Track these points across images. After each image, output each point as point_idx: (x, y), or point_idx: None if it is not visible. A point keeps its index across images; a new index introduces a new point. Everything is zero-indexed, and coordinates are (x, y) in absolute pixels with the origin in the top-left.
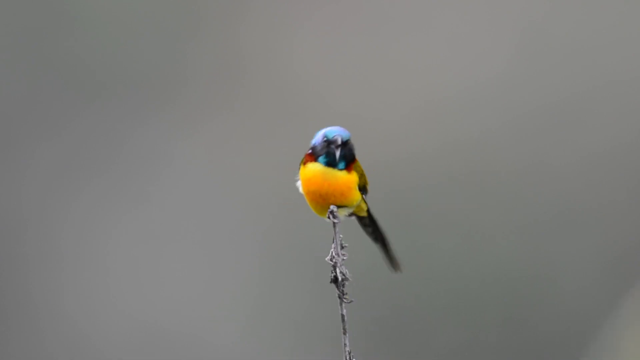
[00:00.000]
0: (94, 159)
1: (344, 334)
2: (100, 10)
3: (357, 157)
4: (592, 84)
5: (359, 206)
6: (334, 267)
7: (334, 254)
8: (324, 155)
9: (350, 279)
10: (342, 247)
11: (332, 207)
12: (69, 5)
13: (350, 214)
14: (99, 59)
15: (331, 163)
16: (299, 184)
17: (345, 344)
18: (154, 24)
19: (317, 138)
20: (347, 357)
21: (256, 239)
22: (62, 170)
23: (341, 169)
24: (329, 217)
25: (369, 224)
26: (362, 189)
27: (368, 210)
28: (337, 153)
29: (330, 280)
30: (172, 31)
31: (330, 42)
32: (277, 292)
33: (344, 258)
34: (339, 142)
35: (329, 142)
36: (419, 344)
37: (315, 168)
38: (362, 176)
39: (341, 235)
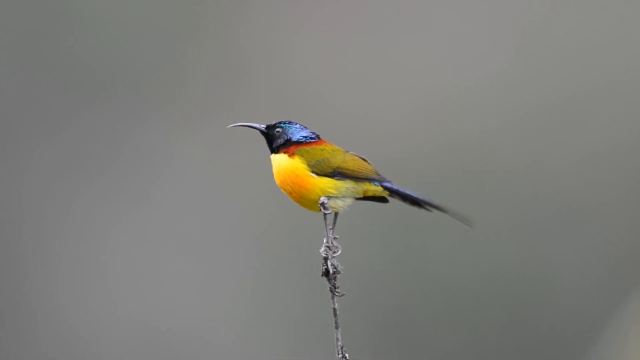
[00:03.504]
0: (93, 159)
1: (336, 328)
2: (100, 10)
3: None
4: (592, 84)
5: (367, 190)
6: (325, 259)
7: (325, 246)
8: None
9: (341, 272)
10: (334, 239)
11: (322, 198)
12: (68, 5)
13: (377, 199)
14: (98, 59)
15: (271, 150)
16: None
17: (337, 338)
18: (153, 24)
19: None
20: (340, 352)
21: (255, 238)
22: (62, 170)
23: (276, 152)
24: (320, 209)
25: (403, 199)
26: (335, 174)
27: (388, 188)
28: (265, 138)
29: (321, 273)
30: (172, 31)
31: (331, 42)
32: (276, 291)
33: (337, 250)
34: (248, 126)
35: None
36: (419, 344)
37: (271, 159)
38: (320, 162)
39: (331, 227)
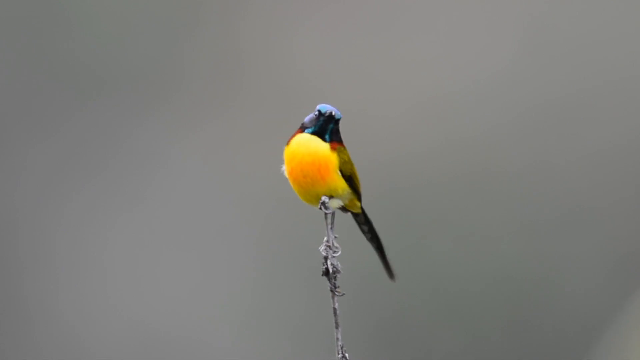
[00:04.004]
0: (89, 159)
1: (336, 327)
2: (96, 7)
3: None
4: (597, 81)
5: (351, 201)
6: (325, 259)
7: (326, 245)
8: (312, 127)
9: (341, 271)
10: (334, 238)
11: (323, 197)
12: (65, 2)
13: (344, 208)
14: (94, 58)
15: (318, 132)
16: (284, 167)
17: (337, 338)
18: (150, 21)
19: (309, 115)
20: (340, 352)
21: (253, 238)
22: (57, 171)
23: (327, 141)
24: (320, 208)
25: (364, 222)
26: (349, 179)
27: (362, 208)
28: (327, 125)
29: (321, 272)
30: (169, 28)
31: (332, 40)
32: (273, 292)
33: (337, 250)
34: (332, 114)
35: (320, 115)
36: (420, 345)
37: (301, 138)
38: (346, 163)
39: (331, 226)
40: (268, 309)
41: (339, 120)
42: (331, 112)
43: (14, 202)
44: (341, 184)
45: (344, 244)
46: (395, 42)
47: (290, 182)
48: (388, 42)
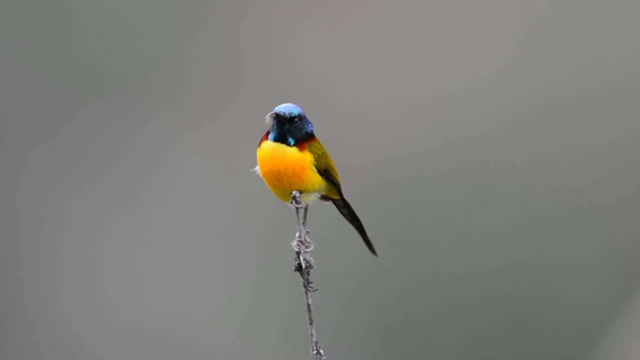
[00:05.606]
0: (89, 159)
1: (310, 324)
2: (96, 8)
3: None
4: (597, 80)
5: (330, 191)
6: (298, 254)
7: (298, 241)
8: (272, 132)
9: (314, 266)
10: (307, 233)
11: (294, 192)
12: (65, 2)
13: (325, 197)
14: (94, 57)
15: (278, 138)
16: (257, 168)
17: (312, 334)
18: (150, 20)
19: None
20: (314, 348)
21: (252, 239)
22: (57, 171)
23: (291, 145)
24: (291, 202)
25: (343, 206)
26: (324, 172)
27: (341, 194)
28: (281, 127)
29: (294, 268)
30: (169, 30)
31: (332, 40)
32: (273, 292)
33: (309, 245)
34: (281, 115)
35: (275, 117)
36: (421, 347)
37: (266, 145)
38: (320, 157)
39: (303, 222)
40: (268, 309)
41: (295, 117)
42: (278, 113)
43: (14, 202)
44: (317, 180)
45: (342, 241)
46: (395, 42)
47: (265, 182)
48: (388, 42)
